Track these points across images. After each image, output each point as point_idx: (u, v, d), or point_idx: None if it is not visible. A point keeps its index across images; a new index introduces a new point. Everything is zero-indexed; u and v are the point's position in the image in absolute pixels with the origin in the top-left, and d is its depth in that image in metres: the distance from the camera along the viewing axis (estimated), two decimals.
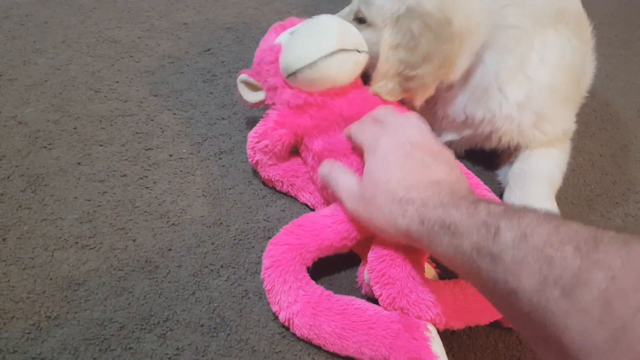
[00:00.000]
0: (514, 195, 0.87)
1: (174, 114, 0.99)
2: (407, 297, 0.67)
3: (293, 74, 0.79)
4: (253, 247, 0.80)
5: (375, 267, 0.69)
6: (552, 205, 0.87)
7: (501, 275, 0.46)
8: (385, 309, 0.68)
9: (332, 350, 0.67)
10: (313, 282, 0.71)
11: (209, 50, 1.16)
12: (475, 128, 0.89)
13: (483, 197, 0.58)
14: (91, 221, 0.80)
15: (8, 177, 0.84)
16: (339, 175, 0.73)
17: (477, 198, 0.57)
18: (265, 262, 0.71)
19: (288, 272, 0.70)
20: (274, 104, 0.84)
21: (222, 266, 0.77)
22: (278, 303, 0.69)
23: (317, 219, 0.74)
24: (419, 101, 0.83)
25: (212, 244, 0.80)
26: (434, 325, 0.67)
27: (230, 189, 0.88)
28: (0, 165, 0.86)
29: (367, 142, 0.70)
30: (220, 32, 1.22)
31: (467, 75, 0.84)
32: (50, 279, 0.72)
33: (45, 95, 0.99)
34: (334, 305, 0.68)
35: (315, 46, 0.78)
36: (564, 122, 0.92)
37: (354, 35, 0.81)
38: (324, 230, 0.73)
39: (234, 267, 0.77)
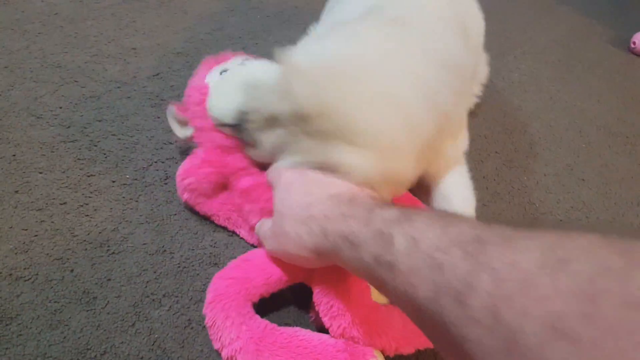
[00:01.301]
0: None
1: (119, 139, 0.98)
2: (357, 327, 0.67)
3: (221, 126, 0.79)
4: (198, 274, 0.79)
5: (322, 300, 0.69)
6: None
7: (400, 286, 0.45)
8: (337, 338, 0.68)
9: None
10: (257, 316, 0.70)
11: (158, 74, 1.15)
12: None
13: (381, 203, 0.55)
14: (27, 251, 0.77)
15: None
16: (262, 224, 0.73)
17: (375, 204, 0.55)
18: (208, 296, 0.69)
19: (231, 307, 0.69)
20: (200, 142, 0.84)
21: (164, 295, 0.75)
22: (220, 340, 0.67)
23: (265, 253, 0.73)
24: None
25: (155, 272, 0.78)
26: (384, 352, 0.67)
27: (175, 214, 0.87)
28: None
29: (273, 179, 0.69)
30: (170, 57, 1.21)
31: None
32: None
33: None
34: (278, 338, 0.67)
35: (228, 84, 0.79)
36: (464, 141, 0.94)
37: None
38: (271, 264, 0.72)
39: (177, 296, 0.76)
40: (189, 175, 0.81)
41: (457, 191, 0.89)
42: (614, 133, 1.38)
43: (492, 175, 1.12)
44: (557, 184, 1.15)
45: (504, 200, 1.07)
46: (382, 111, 0.60)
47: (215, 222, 0.86)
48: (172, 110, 0.86)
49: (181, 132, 0.86)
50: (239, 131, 0.74)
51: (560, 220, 1.06)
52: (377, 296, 0.74)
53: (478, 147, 1.18)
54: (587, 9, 2.05)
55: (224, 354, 0.67)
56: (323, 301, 0.69)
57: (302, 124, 0.62)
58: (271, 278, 0.72)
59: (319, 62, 0.63)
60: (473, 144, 1.16)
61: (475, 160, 1.15)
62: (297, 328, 0.70)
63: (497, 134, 1.24)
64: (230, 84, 0.80)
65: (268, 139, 0.71)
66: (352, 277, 0.69)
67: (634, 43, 1.83)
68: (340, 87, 0.60)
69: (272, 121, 0.67)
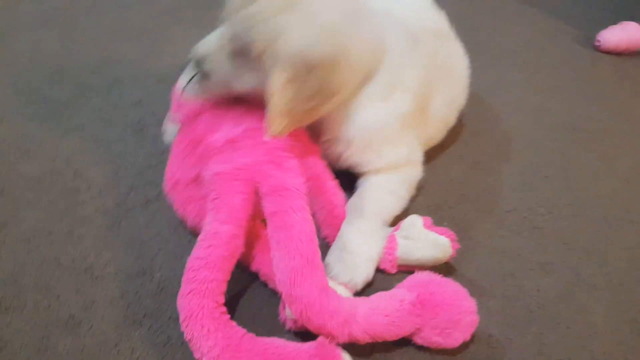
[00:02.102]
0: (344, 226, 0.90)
1: (102, 167, 1.00)
2: (311, 309, 0.70)
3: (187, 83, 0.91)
4: (177, 293, 0.80)
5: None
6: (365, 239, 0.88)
7: None
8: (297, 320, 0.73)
9: None
10: (233, 323, 0.72)
11: (139, 102, 1.17)
12: (338, 145, 0.93)
13: None
14: (16, 282, 0.79)
15: None
16: None
17: None
18: (180, 315, 0.71)
19: (204, 317, 0.70)
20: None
21: (144, 316, 0.77)
22: (199, 350, 0.69)
23: (199, 251, 0.75)
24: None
25: (136, 294, 0.80)
26: (337, 336, 0.71)
27: (155, 236, 0.89)
28: None
29: None
30: (151, 84, 1.23)
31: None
32: None
33: None
34: (255, 346, 0.69)
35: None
36: (400, 148, 0.96)
37: None
38: (212, 256, 0.74)
39: (156, 316, 0.78)
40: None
41: (373, 196, 0.93)
42: (577, 130, 1.38)
43: (458, 179, 1.13)
44: (522, 182, 1.16)
45: (470, 201, 1.08)
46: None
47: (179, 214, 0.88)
48: (167, 120, 0.96)
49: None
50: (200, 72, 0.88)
51: (524, 217, 1.08)
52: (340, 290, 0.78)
53: (445, 151, 1.19)
54: (553, 10, 2.06)
55: None
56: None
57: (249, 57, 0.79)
58: (217, 265, 0.74)
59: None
60: (440, 148, 1.18)
61: (443, 164, 1.16)
62: (274, 338, 0.72)
63: (463, 138, 1.25)
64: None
65: (220, 71, 0.85)
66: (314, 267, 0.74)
67: (599, 41, 1.83)
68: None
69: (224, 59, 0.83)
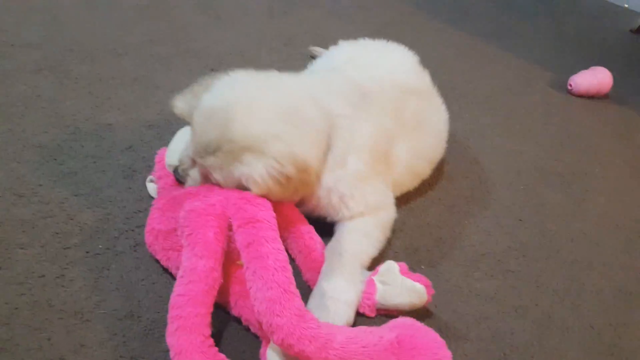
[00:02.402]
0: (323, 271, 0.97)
1: (93, 211, 1.05)
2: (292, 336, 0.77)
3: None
4: (162, 336, 0.84)
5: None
6: (345, 284, 0.94)
7: None
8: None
9: None
10: (221, 356, 0.78)
11: (130, 147, 1.24)
12: (307, 205, 1.03)
13: None
14: (8, 324, 0.83)
15: None
16: None
17: None
18: (171, 352, 0.76)
19: (193, 352, 0.75)
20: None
21: (132, 357, 0.81)
22: None
23: (180, 289, 0.80)
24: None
25: (124, 336, 0.84)
26: None
27: (143, 279, 0.94)
28: None
29: None
30: (142, 130, 1.30)
31: None
32: None
33: None
34: None
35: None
36: (366, 197, 1.04)
37: None
38: (193, 292, 0.79)
39: (144, 358, 0.82)
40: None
41: (349, 239, 1.01)
42: (550, 173, 1.47)
43: (435, 222, 1.20)
44: (496, 226, 1.24)
45: (446, 244, 1.15)
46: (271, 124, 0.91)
47: (163, 264, 0.95)
48: (148, 178, 1.11)
49: (154, 191, 1.09)
50: (177, 175, 1.03)
51: (499, 260, 1.14)
52: None
53: (422, 194, 1.27)
54: (527, 55, 2.19)
55: None
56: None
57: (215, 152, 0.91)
58: (198, 299, 0.80)
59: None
60: (417, 192, 1.25)
61: (420, 207, 1.23)
62: None
63: (440, 181, 1.33)
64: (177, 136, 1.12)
65: (194, 174, 1.00)
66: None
67: (571, 85, 1.95)
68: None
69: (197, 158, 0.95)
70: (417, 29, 2.23)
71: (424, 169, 1.23)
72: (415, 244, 1.13)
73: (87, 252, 0.97)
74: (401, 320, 0.86)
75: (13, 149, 1.18)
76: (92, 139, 1.24)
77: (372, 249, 1.03)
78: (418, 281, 0.93)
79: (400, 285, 0.93)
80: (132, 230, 1.02)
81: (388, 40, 1.33)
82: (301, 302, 0.81)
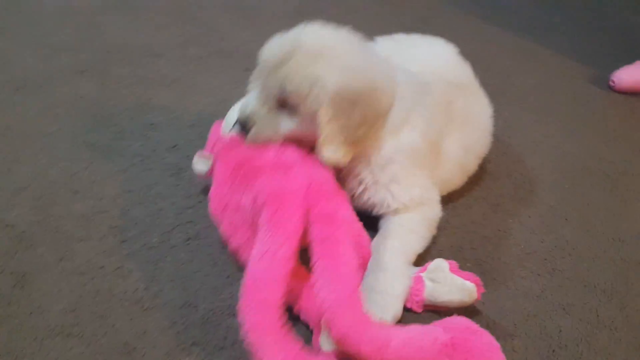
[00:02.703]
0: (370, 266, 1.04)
1: (145, 207, 1.16)
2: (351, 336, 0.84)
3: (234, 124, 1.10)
4: (219, 324, 0.94)
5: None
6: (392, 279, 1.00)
7: None
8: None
9: None
10: (291, 336, 0.86)
11: (175, 146, 1.34)
12: (352, 181, 1.09)
13: None
14: (74, 311, 0.93)
15: None
16: None
17: None
18: (244, 326, 0.83)
19: (266, 329, 0.83)
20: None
21: (192, 344, 0.91)
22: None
23: (259, 269, 0.87)
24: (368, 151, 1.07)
25: (183, 324, 0.94)
26: None
27: (197, 272, 1.03)
28: None
29: None
30: (185, 130, 1.41)
31: None
32: None
33: (29, 199, 1.15)
34: None
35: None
36: (412, 189, 1.10)
37: None
38: (271, 274, 0.86)
39: (203, 345, 0.91)
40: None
41: (395, 234, 1.07)
42: (595, 172, 1.52)
43: (479, 220, 1.27)
44: (541, 225, 1.30)
45: (491, 243, 1.22)
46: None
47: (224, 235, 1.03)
48: (197, 155, 1.15)
49: (202, 167, 1.14)
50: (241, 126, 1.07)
51: (545, 259, 1.20)
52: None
53: (466, 193, 1.34)
54: (567, 51, 2.23)
55: None
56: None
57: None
58: (277, 281, 0.87)
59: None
60: (461, 191, 1.32)
61: (464, 206, 1.30)
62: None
63: (483, 180, 1.39)
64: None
65: (263, 126, 1.04)
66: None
67: (613, 81, 1.98)
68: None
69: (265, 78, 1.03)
70: (451, 24, 2.30)
71: (472, 164, 1.30)
72: (460, 242, 1.20)
73: (143, 245, 1.07)
74: (456, 320, 0.92)
75: (64, 147, 1.29)
76: (137, 139, 1.35)
77: (417, 245, 1.10)
78: (468, 279, 0.99)
79: (450, 284, 0.99)
80: (183, 225, 1.12)
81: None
82: (362, 304, 0.89)
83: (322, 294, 0.87)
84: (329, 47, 1.00)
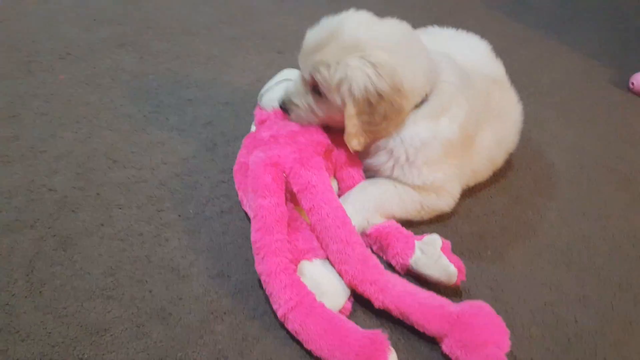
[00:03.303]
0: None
1: (182, 179, 1.13)
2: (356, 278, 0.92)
3: (261, 96, 1.17)
4: (251, 295, 0.93)
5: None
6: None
7: None
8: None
9: (310, 348, 0.83)
10: (305, 284, 0.88)
11: (210, 122, 1.31)
12: (383, 155, 1.08)
13: None
14: (114, 275, 0.92)
15: (42, 238, 0.97)
16: None
17: None
18: (261, 277, 0.89)
19: (281, 272, 0.87)
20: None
21: (225, 313, 0.89)
22: (277, 301, 0.86)
23: (255, 225, 0.93)
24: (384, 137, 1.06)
25: (216, 293, 0.92)
26: (373, 301, 0.90)
27: (230, 244, 1.01)
28: (34, 227, 0.99)
29: None
30: (219, 107, 1.38)
31: None
32: (81, 325, 0.83)
33: (71, 165, 1.13)
34: (324, 312, 0.85)
35: (271, 82, 1.17)
36: (437, 173, 1.09)
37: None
38: (267, 223, 0.92)
39: (235, 314, 0.89)
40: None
41: (385, 187, 1.09)
42: (613, 169, 1.48)
43: (500, 210, 1.24)
44: (559, 218, 1.26)
45: (511, 233, 1.19)
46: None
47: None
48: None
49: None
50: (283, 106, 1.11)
51: (562, 252, 1.17)
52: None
53: (488, 184, 1.30)
54: (588, 50, 2.17)
55: (279, 313, 0.85)
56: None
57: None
58: (274, 228, 0.92)
59: None
60: (483, 182, 1.29)
61: (486, 196, 1.27)
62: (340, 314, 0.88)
63: (504, 172, 1.35)
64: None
65: (301, 107, 1.07)
66: None
67: (633, 83, 1.92)
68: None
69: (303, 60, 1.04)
70: (476, 19, 2.24)
71: (501, 158, 1.27)
72: (481, 231, 1.18)
73: (179, 216, 1.05)
74: (476, 302, 0.91)
75: (105, 117, 1.27)
76: (175, 113, 1.32)
77: (397, 211, 1.08)
78: (453, 263, 0.97)
79: (435, 260, 0.97)
80: (218, 199, 1.10)
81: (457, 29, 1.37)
82: (365, 250, 0.93)
83: (327, 252, 0.94)
84: (364, 41, 0.98)
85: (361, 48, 0.96)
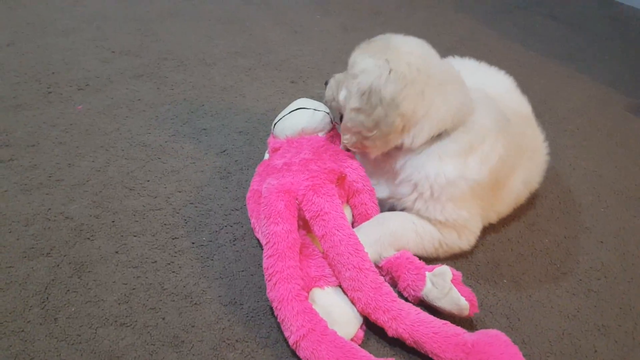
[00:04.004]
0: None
1: (196, 207, 1.16)
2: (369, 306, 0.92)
3: (274, 125, 1.20)
4: (263, 323, 0.93)
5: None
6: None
7: None
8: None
9: None
10: (316, 311, 0.88)
11: (224, 151, 1.35)
12: (403, 188, 1.08)
13: None
14: (127, 302, 0.94)
15: (58, 265, 0.99)
16: None
17: None
18: (273, 304, 0.89)
19: (292, 300, 0.88)
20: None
21: (237, 340, 0.90)
22: (289, 329, 0.86)
23: (268, 252, 0.93)
24: (372, 155, 1.08)
25: (229, 320, 0.93)
26: (387, 329, 0.90)
27: (242, 271, 1.03)
28: (50, 254, 1.01)
29: None
30: (234, 136, 1.41)
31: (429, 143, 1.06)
32: (94, 353, 0.85)
33: (88, 193, 1.17)
34: (336, 340, 0.85)
35: (284, 111, 1.20)
36: (462, 212, 1.08)
37: (314, 104, 1.19)
38: (279, 250, 0.92)
39: (247, 341, 0.90)
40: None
41: (402, 222, 1.09)
42: (631, 197, 1.47)
43: (515, 238, 1.24)
44: (577, 246, 1.26)
45: (527, 261, 1.18)
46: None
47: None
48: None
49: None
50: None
51: (580, 280, 1.16)
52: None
53: None
54: (604, 78, 2.18)
55: (291, 340, 0.86)
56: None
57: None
58: (286, 255, 0.93)
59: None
60: None
61: (501, 223, 1.27)
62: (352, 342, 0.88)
63: None
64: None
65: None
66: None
67: None
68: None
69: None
70: (488, 48, 2.27)
71: (525, 196, 1.27)
72: (496, 259, 1.17)
73: (193, 243, 1.07)
74: (491, 331, 0.90)
75: (121, 146, 1.31)
76: (190, 142, 1.36)
77: (413, 247, 1.07)
78: (465, 296, 0.96)
79: (447, 295, 0.96)
80: (231, 226, 1.12)
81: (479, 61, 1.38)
82: (378, 277, 0.94)
83: (340, 280, 0.95)
84: (393, 47, 1.03)
85: (388, 52, 1.02)
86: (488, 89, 1.21)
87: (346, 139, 1.08)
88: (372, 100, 1.00)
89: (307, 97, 1.25)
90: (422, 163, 1.05)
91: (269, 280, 0.90)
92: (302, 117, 1.16)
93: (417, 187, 1.06)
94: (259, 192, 1.06)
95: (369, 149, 1.06)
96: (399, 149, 1.06)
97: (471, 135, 1.04)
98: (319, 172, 1.04)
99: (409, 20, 2.42)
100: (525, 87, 1.98)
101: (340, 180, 1.07)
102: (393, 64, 1.00)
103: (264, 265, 0.93)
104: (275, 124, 1.20)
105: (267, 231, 0.96)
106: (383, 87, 0.99)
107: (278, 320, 0.88)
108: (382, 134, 1.02)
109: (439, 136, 1.04)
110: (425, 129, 1.02)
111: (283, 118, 1.19)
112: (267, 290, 0.90)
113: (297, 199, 1.00)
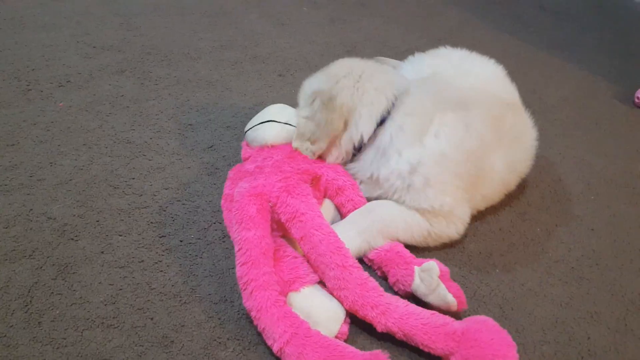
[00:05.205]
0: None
1: (183, 204, 1.14)
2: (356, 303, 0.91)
3: (245, 133, 1.18)
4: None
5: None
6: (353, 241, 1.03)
7: None
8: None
9: None
10: (296, 314, 0.86)
11: (211, 146, 1.32)
12: (382, 186, 1.11)
13: None
14: (114, 303, 0.92)
15: (41, 267, 0.97)
16: None
17: None
18: (251, 313, 0.87)
19: (271, 306, 0.85)
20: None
21: (228, 339, 0.88)
22: (272, 336, 0.84)
23: (240, 259, 0.91)
24: (328, 160, 1.13)
25: (219, 319, 0.91)
26: (376, 325, 0.89)
27: (232, 268, 1.01)
28: (33, 256, 0.99)
29: None
30: (220, 131, 1.39)
31: (374, 137, 1.11)
32: (81, 356, 0.83)
33: (71, 193, 1.14)
34: (320, 340, 0.83)
35: (256, 118, 1.17)
36: (445, 195, 1.08)
37: (288, 115, 1.17)
38: (252, 257, 0.90)
39: (239, 340, 0.89)
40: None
41: (390, 210, 1.10)
42: (620, 185, 1.48)
43: (507, 227, 1.24)
44: (568, 234, 1.26)
45: (519, 250, 1.18)
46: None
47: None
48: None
49: None
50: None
51: (572, 268, 1.17)
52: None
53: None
54: (592, 67, 2.19)
55: (275, 347, 0.83)
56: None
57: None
58: (260, 262, 0.91)
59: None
60: None
61: (492, 213, 1.27)
62: (336, 339, 0.87)
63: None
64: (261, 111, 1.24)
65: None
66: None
67: (638, 98, 1.93)
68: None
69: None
70: (477, 38, 2.27)
71: (513, 182, 1.27)
72: (489, 249, 1.17)
73: (181, 241, 1.05)
74: (478, 317, 0.91)
75: (105, 143, 1.28)
76: (176, 138, 1.34)
77: (403, 235, 1.08)
78: (453, 292, 0.96)
79: (434, 290, 0.96)
80: (220, 223, 1.10)
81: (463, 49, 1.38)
82: (362, 273, 0.92)
83: (324, 279, 0.93)
84: (332, 67, 1.16)
85: (327, 69, 1.18)
86: (474, 77, 1.24)
87: (298, 145, 1.11)
88: (315, 101, 1.08)
89: (294, 90, 1.23)
90: (385, 160, 1.09)
91: (245, 290, 0.87)
92: (271, 132, 1.14)
93: (390, 183, 1.09)
94: (231, 196, 1.04)
95: (323, 153, 1.11)
96: (357, 150, 1.12)
97: (415, 117, 1.09)
98: (292, 172, 1.03)
99: (396, 11, 2.40)
100: (514, 76, 1.97)
101: (315, 180, 1.06)
102: (328, 70, 1.15)
103: (238, 274, 0.90)
104: (246, 132, 1.18)
105: (238, 237, 0.93)
106: (322, 87, 1.09)
107: (259, 329, 0.85)
108: (325, 135, 1.08)
109: (384, 125, 1.09)
110: (365, 114, 1.08)
111: (253, 128, 1.16)
112: (244, 300, 0.87)
113: (270, 202, 0.98)
